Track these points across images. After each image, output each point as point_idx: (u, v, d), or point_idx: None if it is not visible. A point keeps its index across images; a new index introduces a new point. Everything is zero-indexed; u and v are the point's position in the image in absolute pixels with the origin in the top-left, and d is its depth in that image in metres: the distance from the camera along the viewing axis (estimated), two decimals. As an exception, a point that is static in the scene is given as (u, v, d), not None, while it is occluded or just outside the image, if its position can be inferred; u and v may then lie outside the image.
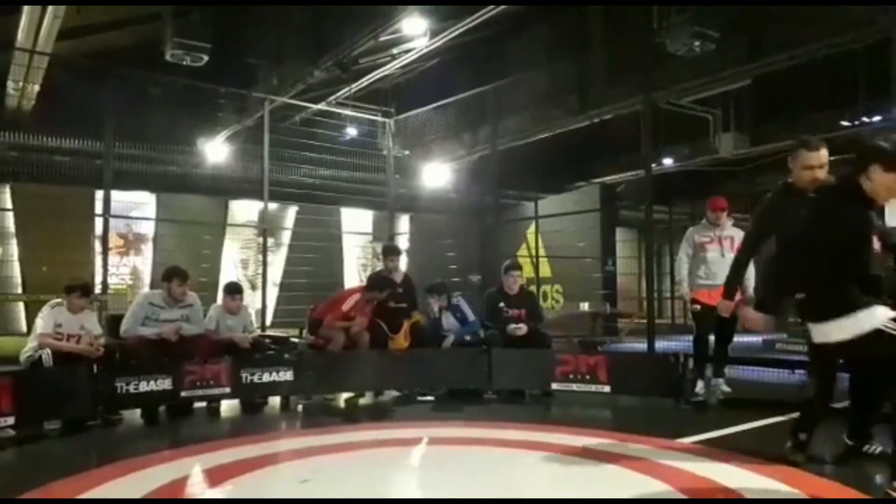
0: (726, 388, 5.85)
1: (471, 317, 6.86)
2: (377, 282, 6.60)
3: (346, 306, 6.32)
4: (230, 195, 13.05)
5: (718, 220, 5.93)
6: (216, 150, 11.50)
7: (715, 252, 5.86)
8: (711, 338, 5.96)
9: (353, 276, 14.61)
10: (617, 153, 13.56)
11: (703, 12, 8.33)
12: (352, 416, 5.91)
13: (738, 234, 5.89)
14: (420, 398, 6.29)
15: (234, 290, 6.45)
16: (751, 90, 11.17)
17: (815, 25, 7.86)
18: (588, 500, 3.36)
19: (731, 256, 5.77)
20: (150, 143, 10.97)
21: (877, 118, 10.10)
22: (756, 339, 10.27)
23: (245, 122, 11.17)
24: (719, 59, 8.93)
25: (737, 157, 12.53)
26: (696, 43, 8.52)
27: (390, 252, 7.33)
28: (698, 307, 5.91)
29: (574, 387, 6.14)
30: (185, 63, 8.73)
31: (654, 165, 9.03)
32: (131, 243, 12.86)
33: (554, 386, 6.20)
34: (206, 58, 8.66)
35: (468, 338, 6.67)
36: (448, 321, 6.87)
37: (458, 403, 6.06)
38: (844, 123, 10.64)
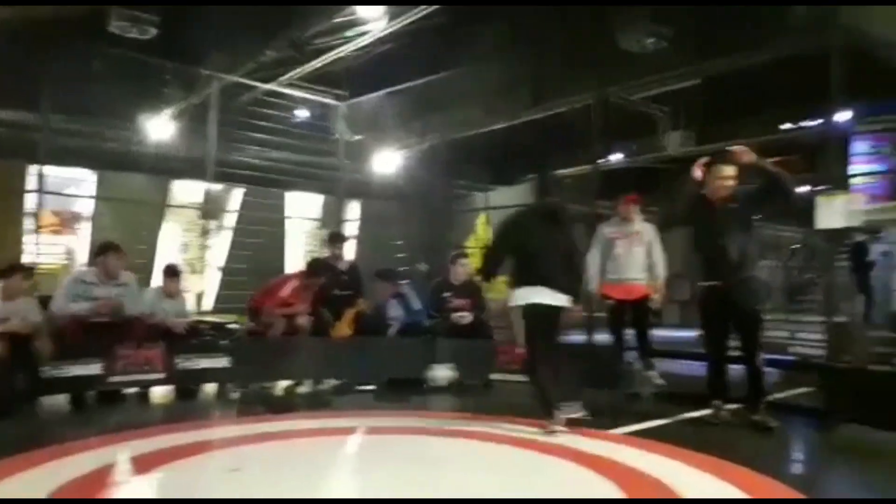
0: (660, 381, 5.99)
1: (417, 305, 6.84)
2: (317, 267, 6.52)
3: (284, 292, 6.22)
4: (173, 175, 12.67)
5: (629, 215, 6.04)
6: (160, 128, 11.14)
7: (622, 247, 6.00)
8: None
9: (300, 262, 14.40)
10: (567, 147, 13.65)
11: (656, 10, 8.43)
12: (289, 404, 5.83)
13: (647, 230, 6.05)
14: (360, 387, 6.25)
15: (173, 272, 6.29)
16: (700, 90, 11.38)
17: (763, 30, 8.04)
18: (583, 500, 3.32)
19: (637, 251, 5.95)
20: (90, 118, 10.55)
21: (817, 121, 10.43)
22: (691, 333, 10.53)
23: (192, 99, 10.84)
24: (671, 57, 9.05)
25: (684, 154, 12.77)
26: (650, 41, 8.62)
27: (336, 239, 7.26)
28: (612, 302, 6.09)
29: (513, 377, 6.18)
30: (130, 36, 8.42)
31: (601, 160, 9.14)
32: (67, 222, 12.37)
33: (493, 376, 6.25)
34: (153, 31, 8.36)
35: (399, 323, 6.66)
36: (394, 309, 6.85)
37: (399, 393, 6.04)
38: (785, 126, 10.98)
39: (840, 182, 6.18)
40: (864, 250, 11.42)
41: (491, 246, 5.09)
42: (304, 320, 6.27)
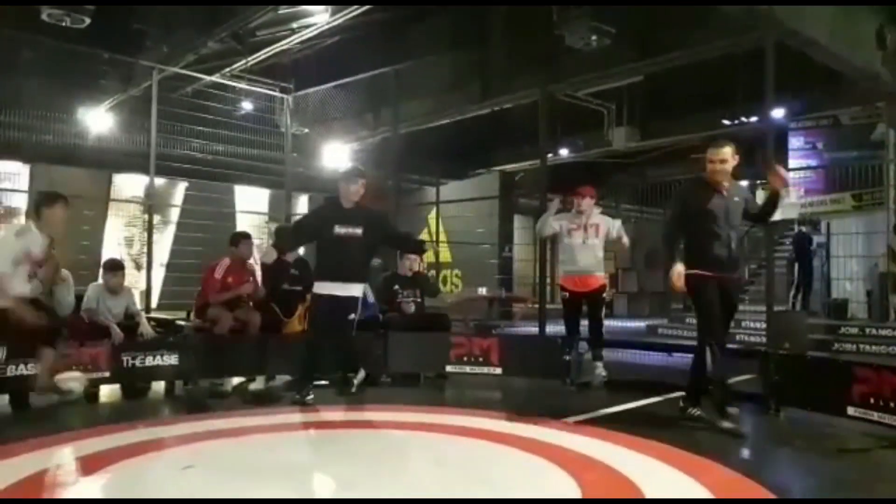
0: (603, 371, 6.07)
1: (371, 299, 6.81)
2: (237, 236, 6.46)
3: (218, 273, 6.11)
4: (114, 168, 12.28)
5: (580, 206, 6.12)
6: (99, 120, 10.76)
7: (578, 239, 6.07)
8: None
9: (248, 256, 14.14)
10: (517, 142, 13.83)
11: (600, 8, 8.57)
12: (241, 401, 5.72)
13: (604, 222, 6.13)
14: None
15: (114, 266, 6.06)
16: (643, 87, 11.65)
17: (703, 29, 8.27)
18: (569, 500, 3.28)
19: (592, 243, 6.02)
20: (23, 110, 10.13)
21: (753, 119, 10.82)
22: (641, 324, 10.80)
23: (131, 91, 10.51)
24: (614, 54, 9.23)
25: (628, 150, 13.08)
26: (594, 38, 8.76)
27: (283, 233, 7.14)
28: (566, 294, 6.13)
29: (467, 369, 6.26)
30: (64, 24, 8.10)
31: (550, 155, 9.27)
32: (1, 217, 11.84)
33: (448, 368, 6.29)
34: (87, 20, 8.06)
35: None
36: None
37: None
38: (725, 122, 11.36)
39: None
40: (808, 240, 11.88)
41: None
42: (252, 315, 6.17)
